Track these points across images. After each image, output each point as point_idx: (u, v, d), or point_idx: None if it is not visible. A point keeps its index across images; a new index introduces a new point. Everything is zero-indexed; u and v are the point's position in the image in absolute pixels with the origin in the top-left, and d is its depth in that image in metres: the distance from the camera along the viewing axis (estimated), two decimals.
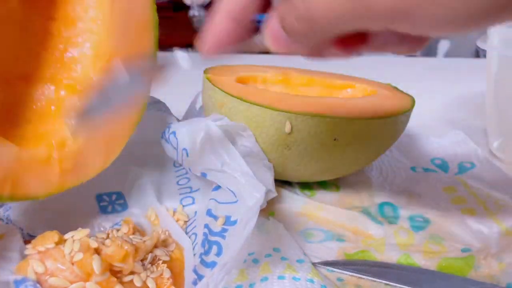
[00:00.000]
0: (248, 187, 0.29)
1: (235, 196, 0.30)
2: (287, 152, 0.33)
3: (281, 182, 0.39)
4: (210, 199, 0.31)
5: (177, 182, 0.36)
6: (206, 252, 0.28)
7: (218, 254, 0.27)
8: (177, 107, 0.44)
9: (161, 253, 0.28)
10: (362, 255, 0.31)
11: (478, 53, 1.03)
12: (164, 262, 0.27)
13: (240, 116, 0.34)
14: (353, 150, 0.34)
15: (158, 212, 0.33)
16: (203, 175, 0.32)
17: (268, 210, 0.36)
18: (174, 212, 0.34)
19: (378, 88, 0.40)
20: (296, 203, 0.36)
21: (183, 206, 0.34)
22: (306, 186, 0.39)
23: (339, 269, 0.29)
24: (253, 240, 0.31)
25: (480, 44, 0.42)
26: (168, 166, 0.37)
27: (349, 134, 0.33)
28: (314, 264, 0.29)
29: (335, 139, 0.32)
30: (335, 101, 0.35)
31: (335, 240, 0.32)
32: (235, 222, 0.29)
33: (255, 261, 0.29)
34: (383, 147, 0.36)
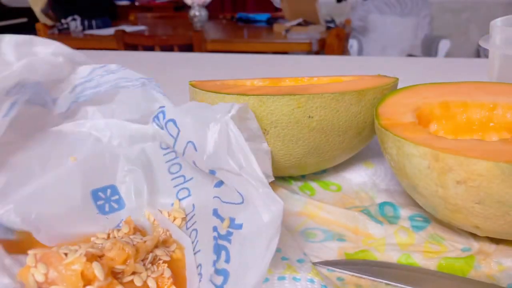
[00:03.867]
0: (264, 198, 0.26)
1: (242, 198, 0.28)
2: (266, 136, 0.34)
3: (282, 182, 0.39)
4: (214, 197, 0.30)
5: (169, 170, 0.34)
6: (217, 259, 0.26)
7: (227, 260, 0.26)
8: None
9: (162, 253, 0.28)
10: (362, 255, 0.31)
11: (479, 53, 1.03)
12: (164, 262, 0.27)
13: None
14: (331, 127, 0.34)
15: (154, 215, 0.32)
16: (212, 172, 0.30)
17: None
18: (171, 210, 0.32)
19: (365, 76, 0.40)
20: (296, 202, 0.36)
21: (180, 200, 0.33)
22: (306, 185, 0.39)
23: (340, 269, 0.29)
24: None
25: (482, 43, 0.42)
26: (157, 151, 0.34)
27: (323, 109, 0.33)
28: (314, 264, 0.29)
29: (309, 116, 0.33)
30: (310, 84, 0.36)
31: (336, 240, 0.32)
32: (240, 226, 0.27)
33: None
34: (365, 125, 0.36)
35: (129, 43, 1.97)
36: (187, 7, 2.54)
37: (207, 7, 2.36)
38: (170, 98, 0.34)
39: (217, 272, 0.26)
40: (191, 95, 0.39)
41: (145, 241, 0.27)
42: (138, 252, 0.26)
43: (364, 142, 0.38)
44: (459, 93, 0.35)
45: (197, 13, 2.30)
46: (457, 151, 0.26)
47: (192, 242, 0.29)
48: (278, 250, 0.29)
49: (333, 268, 0.29)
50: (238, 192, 0.28)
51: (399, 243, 0.31)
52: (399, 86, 0.40)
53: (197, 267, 0.27)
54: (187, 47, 1.95)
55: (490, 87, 0.36)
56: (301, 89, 0.34)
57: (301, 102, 0.32)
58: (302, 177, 0.41)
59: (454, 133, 0.35)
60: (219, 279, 0.25)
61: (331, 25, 2.26)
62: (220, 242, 0.27)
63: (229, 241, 0.27)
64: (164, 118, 0.32)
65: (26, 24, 3.49)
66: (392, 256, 0.30)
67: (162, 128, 0.32)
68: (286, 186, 0.39)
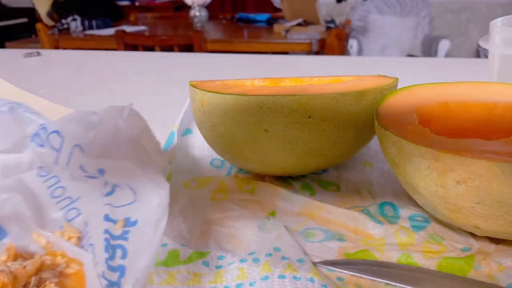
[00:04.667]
0: (153, 185, 0.27)
1: (135, 195, 0.28)
2: (266, 136, 0.33)
3: (282, 182, 0.40)
4: (105, 204, 0.29)
5: (52, 195, 0.31)
6: (111, 257, 0.26)
7: (124, 257, 0.26)
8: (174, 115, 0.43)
9: (48, 275, 0.26)
10: (362, 255, 0.31)
11: (479, 53, 1.03)
12: (53, 282, 0.26)
13: (218, 110, 0.34)
14: (332, 128, 0.34)
15: (46, 237, 0.29)
16: (101, 172, 0.29)
17: (269, 209, 0.36)
18: (63, 231, 0.30)
19: (366, 77, 0.40)
20: (296, 202, 0.36)
21: (69, 221, 0.30)
22: (306, 185, 0.39)
23: (339, 268, 0.29)
24: (254, 240, 0.31)
25: (482, 43, 0.42)
26: (35, 180, 0.31)
27: (323, 108, 0.33)
28: (314, 263, 0.29)
29: (309, 117, 0.33)
30: (310, 85, 0.36)
31: (335, 239, 0.32)
32: (135, 222, 0.27)
33: (256, 260, 0.29)
34: (365, 125, 0.36)
35: (129, 43, 1.97)
36: (187, 7, 2.54)
37: (207, 7, 2.36)
38: (170, 98, 0.34)
39: (112, 268, 0.26)
40: (191, 95, 0.39)
41: (24, 266, 0.26)
42: (16, 278, 0.25)
43: (364, 142, 0.38)
44: (459, 93, 0.35)
45: (197, 13, 2.30)
46: (457, 151, 0.26)
47: (92, 256, 0.27)
48: (278, 249, 0.29)
49: (333, 268, 0.29)
50: (129, 187, 0.28)
51: (399, 243, 0.31)
52: (399, 86, 0.40)
53: (99, 279, 0.26)
54: (187, 47, 1.95)
55: (490, 87, 0.36)
56: (301, 90, 0.34)
57: (301, 103, 0.32)
58: (302, 177, 0.41)
59: (454, 133, 0.35)
60: (114, 275, 0.25)
61: (331, 25, 2.26)
62: (115, 242, 0.27)
63: (126, 239, 0.27)
64: (46, 132, 0.30)
65: (26, 24, 3.49)
66: (392, 256, 0.30)
67: (43, 145, 0.30)
68: (286, 186, 0.39)
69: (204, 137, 0.39)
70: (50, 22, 2.42)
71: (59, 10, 2.47)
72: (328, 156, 0.36)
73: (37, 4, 2.50)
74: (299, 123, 0.33)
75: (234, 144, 0.36)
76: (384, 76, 0.40)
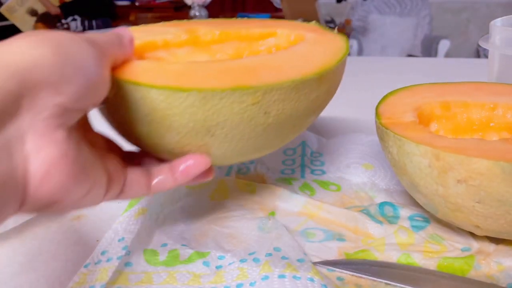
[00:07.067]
0: None
1: None
2: (211, 139, 0.26)
3: (282, 182, 0.40)
4: None
5: None
6: None
7: None
8: None
9: None
10: (362, 255, 0.31)
11: (479, 53, 1.03)
12: None
13: (138, 107, 0.25)
14: (288, 117, 0.28)
15: None
16: None
17: (269, 209, 0.36)
18: None
19: (303, 32, 0.34)
20: (296, 202, 0.36)
21: None
22: (306, 185, 0.39)
23: (339, 268, 0.29)
24: (254, 240, 0.31)
25: (482, 43, 0.42)
26: None
27: (281, 101, 0.27)
28: (314, 263, 0.29)
29: (266, 113, 0.27)
30: (256, 61, 0.28)
31: (335, 239, 0.32)
32: None
33: (256, 260, 0.29)
34: (321, 107, 0.32)
35: None
36: (187, 7, 2.54)
37: (207, 7, 2.36)
38: None
39: None
40: None
41: None
42: None
43: (314, 119, 0.33)
44: (459, 93, 0.35)
45: (197, 13, 2.29)
46: (458, 150, 0.26)
47: None
48: (278, 249, 0.29)
49: (333, 268, 0.29)
50: None
51: (399, 243, 0.31)
52: (399, 86, 0.40)
53: None
54: None
55: (490, 87, 0.36)
56: (250, 73, 0.26)
57: (256, 97, 0.25)
58: (302, 177, 0.41)
59: (454, 133, 0.35)
60: None
61: (331, 25, 2.26)
62: None
63: None
64: None
65: None
66: (392, 256, 0.30)
67: None
68: (286, 186, 0.39)
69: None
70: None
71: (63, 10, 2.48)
72: (278, 146, 0.31)
73: (20, 25, 2.51)
74: (252, 121, 0.26)
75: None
76: (322, 27, 0.35)
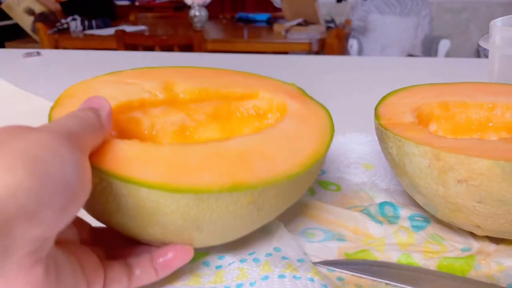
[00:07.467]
0: None
1: None
2: (198, 234, 0.25)
3: None
4: None
5: None
6: None
7: None
8: None
9: None
10: (362, 255, 0.31)
11: (479, 53, 1.03)
12: None
13: (123, 203, 0.23)
14: (279, 209, 0.28)
15: None
16: None
17: None
18: None
19: (285, 97, 0.34)
20: (296, 202, 0.36)
21: None
22: None
23: (340, 268, 0.29)
24: (254, 240, 0.31)
25: (482, 43, 0.42)
26: None
27: (274, 197, 0.26)
28: (314, 263, 0.29)
29: (259, 209, 0.26)
30: (249, 146, 0.27)
31: (335, 239, 0.32)
32: None
33: (256, 260, 0.29)
34: (309, 186, 0.31)
35: (129, 43, 1.97)
36: (187, 7, 2.54)
37: (207, 7, 2.37)
38: None
39: None
40: None
41: None
42: None
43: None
44: (459, 93, 0.35)
45: (197, 13, 2.30)
46: (458, 150, 0.26)
47: None
48: (278, 249, 0.29)
49: (333, 268, 0.29)
50: None
51: (399, 243, 0.31)
52: (399, 86, 0.40)
53: None
54: (187, 47, 1.95)
55: (490, 87, 0.36)
56: (245, 164, 0.25)
57: (252, 197, 0.25)
58: None
59: (453, 133, 0.35)
60: None
61: (331, 25, 2.26)
62: None
63: None
64: None
65: None
66: (392, 256, 0.30)
67: None
68: None
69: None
70: (36, 37, 2.43)
71: (65, 9, 2.48)
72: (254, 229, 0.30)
73: (21, 22, 2.51)
74: (244, 217, 0.26)
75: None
76: (303, 92, 0.35)
